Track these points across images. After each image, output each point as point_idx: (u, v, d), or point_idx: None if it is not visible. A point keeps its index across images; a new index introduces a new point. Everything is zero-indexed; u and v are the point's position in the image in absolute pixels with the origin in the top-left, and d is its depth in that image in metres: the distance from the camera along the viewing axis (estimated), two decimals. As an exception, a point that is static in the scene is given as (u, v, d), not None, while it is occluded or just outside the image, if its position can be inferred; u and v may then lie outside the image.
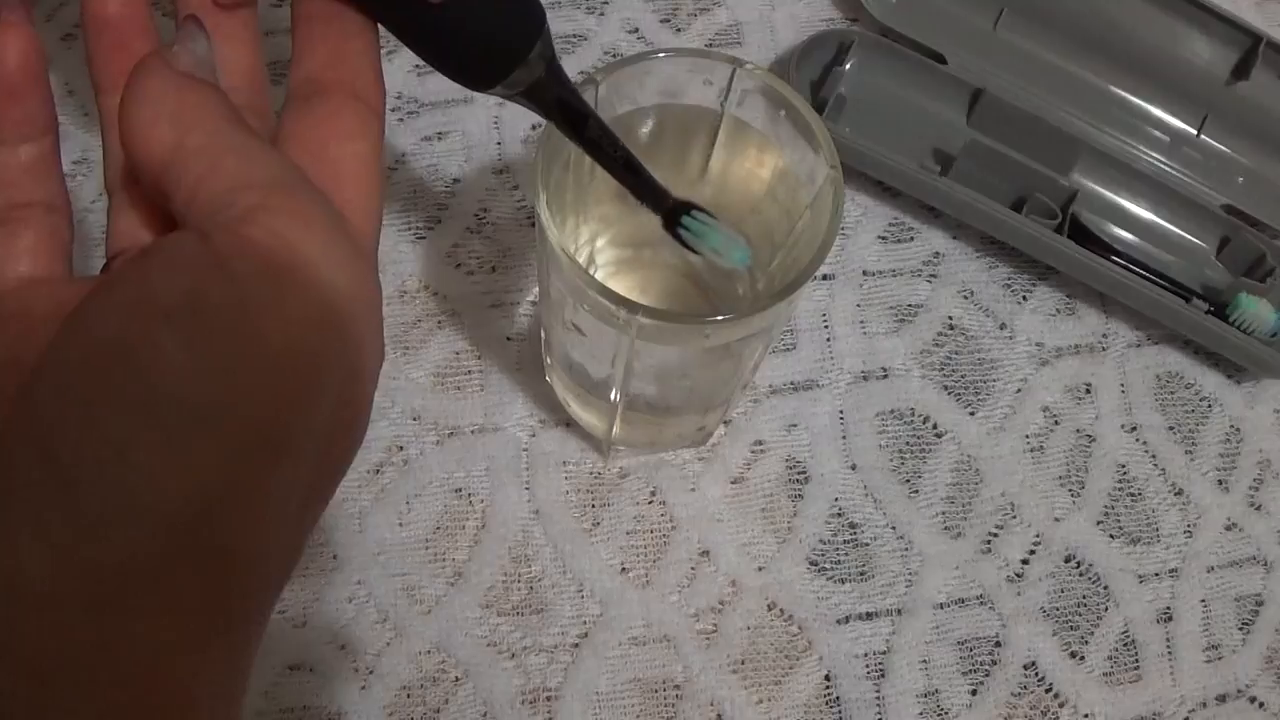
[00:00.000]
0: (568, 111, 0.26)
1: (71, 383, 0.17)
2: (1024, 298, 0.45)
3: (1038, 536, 0.41)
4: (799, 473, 0.41)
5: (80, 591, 0.16)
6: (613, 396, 0.35)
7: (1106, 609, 0.41)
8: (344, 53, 0.23)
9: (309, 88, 0.23)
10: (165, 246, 0.19)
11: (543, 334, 0.38)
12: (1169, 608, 0.41)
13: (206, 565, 0.17)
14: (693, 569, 0.39)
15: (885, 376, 0.43)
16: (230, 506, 0.17)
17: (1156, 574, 0.41)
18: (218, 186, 0.20)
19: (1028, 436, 0.43)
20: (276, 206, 0.19)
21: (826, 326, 0.43)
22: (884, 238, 0.45)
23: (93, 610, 0.16)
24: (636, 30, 0.48)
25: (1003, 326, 0.44)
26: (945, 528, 0.41)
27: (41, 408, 0.17)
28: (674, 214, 0.27)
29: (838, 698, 0.38)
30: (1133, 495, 0.43)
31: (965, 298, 0.45)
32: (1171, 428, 0.44)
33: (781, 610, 0.39)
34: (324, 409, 0.19)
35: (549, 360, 0.39)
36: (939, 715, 0.39)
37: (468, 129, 0.45)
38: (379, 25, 0.24)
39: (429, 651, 0.38)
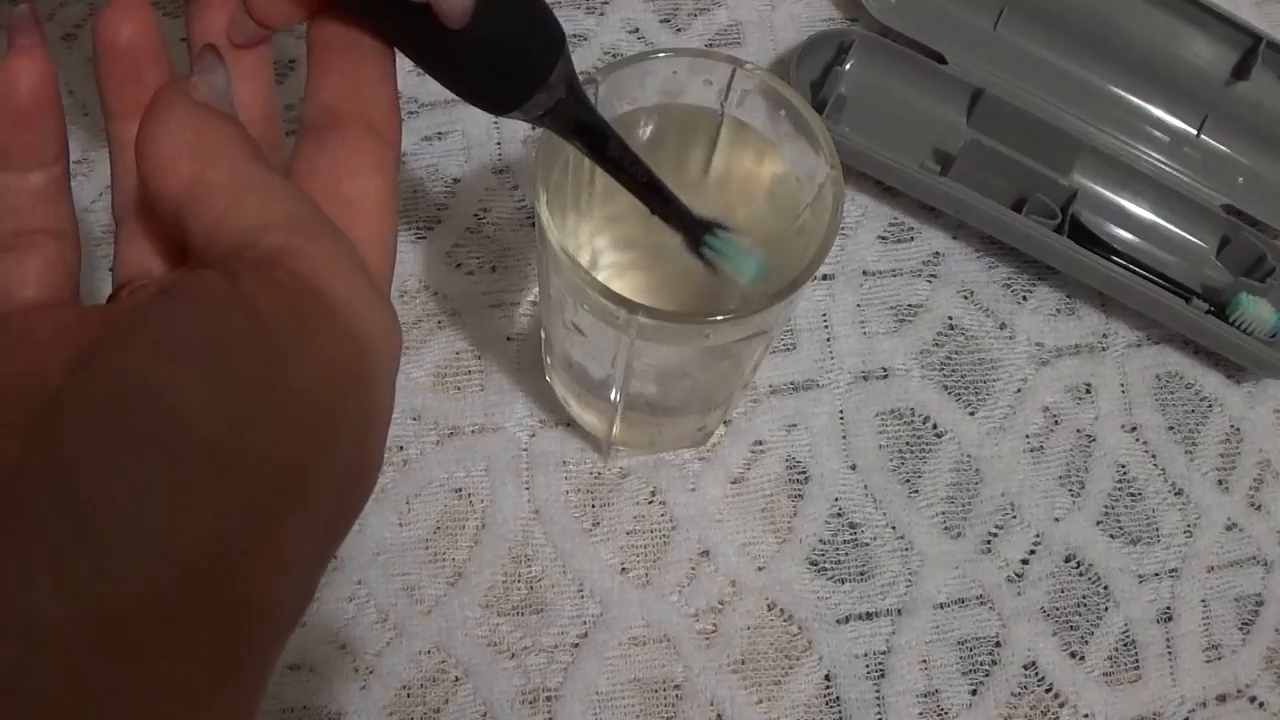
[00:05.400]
0: (589, 133, 0.25)
1: (92, 421, 0.17)
2: (1024, 298, 0.45)
3: (1038, 536, 0.41)
4: (799, 473, 0.41)
5: (92, 635, 0.16)
6: (613, 396, 0.35)
7: (1106, 609, 0.41)
8: (360, 83, 0.23)
9: (324, 119, 0.23)
10: (190, 285, 0.19)
11: (543, 334, 0.38)
12: (1169, 608, 0.41)
13: (220, 612, 0.17)
14: (693, 569, 0.39)
15: (885, 376, 0.43)
16: (247, 553, 0.17)
17: (1156, 574, 0.41)
18: (240, 224, 0.19)
19: (1028, 436, 0.43)
20: (301, 249, 0.19)
21: (826, 326, 0.43)
22: (884, 238, 0.46)
23: (104, 654, 0.16)
24: (636, 30, 0.48)
25: (1003, 326, 0.44)
26: (945, 528, 0.41)
27: (61, 445, 0.17)
28: (698, 234, 0.27)
29: (838, 698, 0.38)
30: (1133, 495, 0.43)
31: (965, 298, 0.45)
32: (1171, 428, 0.44)
33: (781, 610, 0.39)
34: (342, 455, 0.19)
35: (549, 360, 0.39)
36: (939, 715, 0.39)
37: (468, 129, 0.45)
38: (396, 51, 0.24)
39: (429, 651, 0.38)
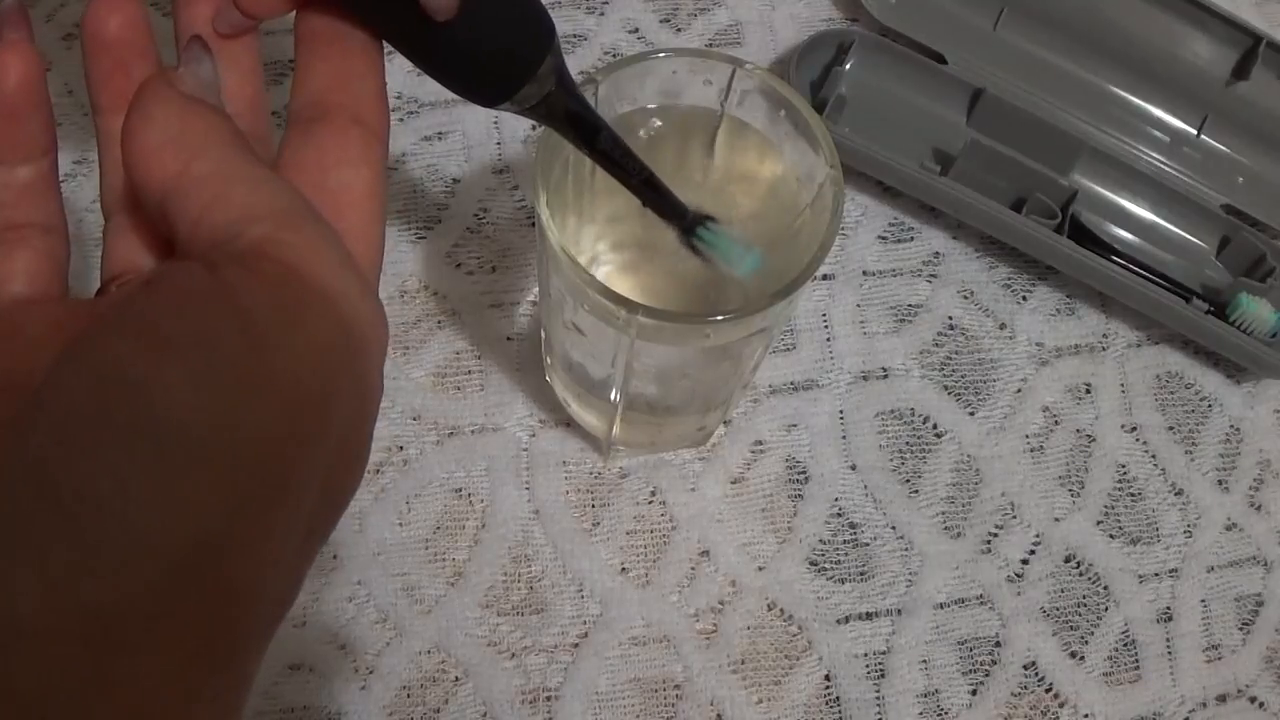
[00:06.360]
0: (580, 125, 0.25)
1: (75, 414, 0.17)
2: (1024, 298, 0.45)
3: (1038, 536, 0.41)
4: (799, 473, 0.41)
5: (76, 627, 0.16)
6: (613, 396, 0.35)
7: (1106, 609, 0.41)
8: (347, 74, 0.23)
9: (311, 111, 0.23)
10: (172, 277, 0.18)
11: (543, 334, 0.38)
12: (1169, 608, 0.41)
13: (206, 604, 0.17)
14: (693, 569, 0.39)
15: (885, 376, 0.43)
16: (232, 545, 0.17)
17: (1156, 574, 0.41)
18: (225, 216, 0.19)
19: (1028, 436, 0.43)
20: (286, 240, 0.19)
21: (826, 326, 0.43)
22: (884, 238, 0.45)
23: (88, 647, 0.16)
24: (636, 30, 0.48)
25: (1003, 326, 0.44)
26: (945, 528, 0.41)
27: (43, 438, 0.17)
28: (690, 226, 0.27)
29: (838, 698, 0.38)
30: (1133, 495, 0.43)
31: (965, 298, 0.45)
32: (1171, 428, 0.44)
33: (781, 610, 0.39)
34: (328, 447, 0.19)
35: (549, 360, 0.39)
36: (939, 715, 0.39)
37: (468, 129, 0.45)
38: (384, 43, 0.24)
39: (429, 651, 0.38)
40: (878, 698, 0.38)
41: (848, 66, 0.46)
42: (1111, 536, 0.42)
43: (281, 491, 0.18)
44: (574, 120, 0.25)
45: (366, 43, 0.23)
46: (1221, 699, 0.40)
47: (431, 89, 0.46)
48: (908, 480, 0.41)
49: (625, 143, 0.26)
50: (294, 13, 0.24)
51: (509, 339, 0.42)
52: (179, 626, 0.17)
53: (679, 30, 0.48)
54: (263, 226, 0.19)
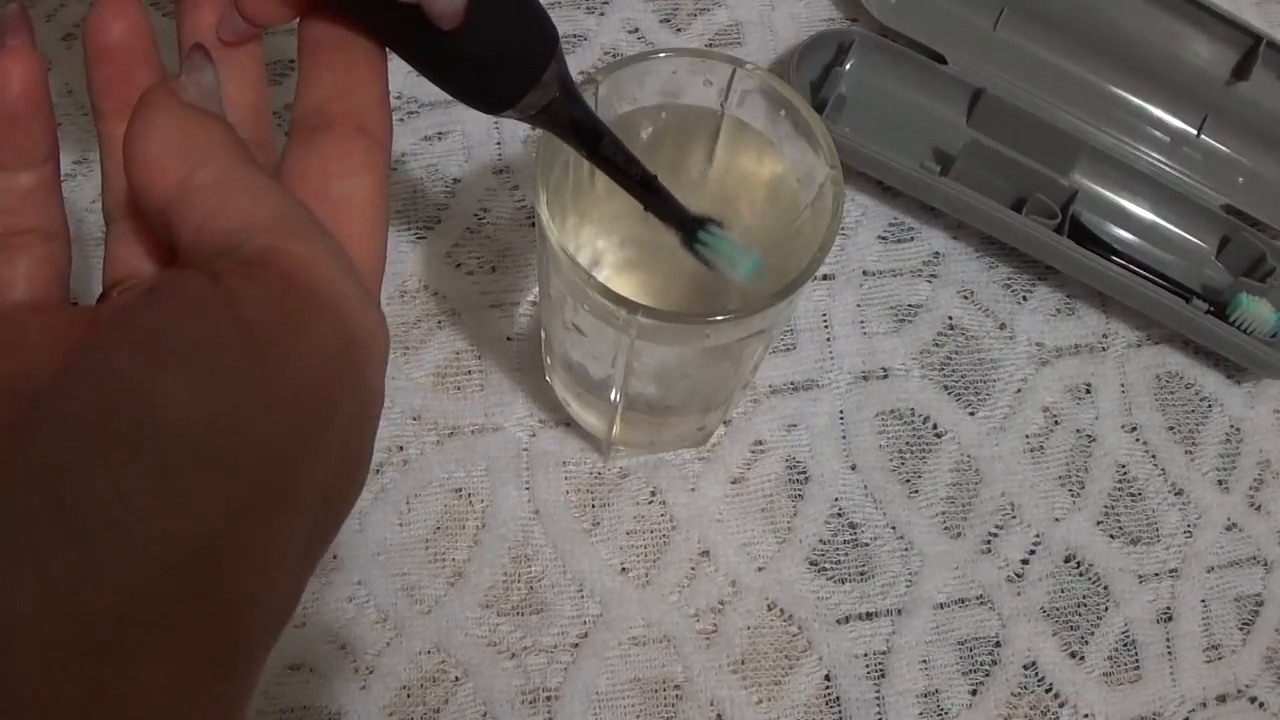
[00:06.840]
0: (582, 131, 0.25)
1: (77, 422, 0.17)
2: (1024, 298, 0.45)
3: (1038, 536, 0.41)
4: (799, 473, 0.41)
5: (76, 634, 0.16)
6: (613, 396, 0.35)
7: (1106, 609, 0.41)
8: (350, 83, 0.23)
9: (314, 119, 0.22)
10: (174, 286, 0.19)
11: (543, 334, 0.38)
12: (1169, 608, 0.41)
13: (206, 612, 0.17)
14: (693, 569, 0.39)
15: (885, 376, 0.43)
16: (233, 553, 0.17)
17: (1156, 574, 0.41)
18: (226, 225, 0.19)
19: (1028, 436, 0.43)
20: (287, 249, 0.19)
21: (826, 326, 0.43)
22: (884, 238, 0.46)
23: (88, 654, 0.16)
24: (636, 30, 0.48)
25: (1003, 326, 0.44)
26: (945, 528, 0.41)
27: (46, 446, 0.17)
28: (691, 229, 0.27)
29: (838, 698, 0.38)
30: (1133, 495, 0.43)
31: (965, 298, 0.45)
32: (1171, 428, 0.44)
33: (781, 610, 0.39)
34: (329, 455, 0.19)
35: (549, 360, 0.39)
36: (939, 715, 0.39)
37: (468, 129, 0.45)
38: (388, 51, 0.24)
39: (429, 651, 0.38)
40: (878, 698, 0.38)
41: (848, 66, 0.46)
42: (1111, 536, 0.42)
43: (283, 499, 0.18)
44: (577, 127, 0.25)
45: (370, 50, 0.23)
46: (1221, 699, 0.40)
47: (431, 89, 0.45)
48: (908, 480, 0.41)
49: (627, 148, 0.26)
50: (297, 19, 0.24)
51: (509, 339, 0.42)
52: (180, 633, 0.17)
53: (679, 30, 0.48)
54: (265, 235, 0.19)
